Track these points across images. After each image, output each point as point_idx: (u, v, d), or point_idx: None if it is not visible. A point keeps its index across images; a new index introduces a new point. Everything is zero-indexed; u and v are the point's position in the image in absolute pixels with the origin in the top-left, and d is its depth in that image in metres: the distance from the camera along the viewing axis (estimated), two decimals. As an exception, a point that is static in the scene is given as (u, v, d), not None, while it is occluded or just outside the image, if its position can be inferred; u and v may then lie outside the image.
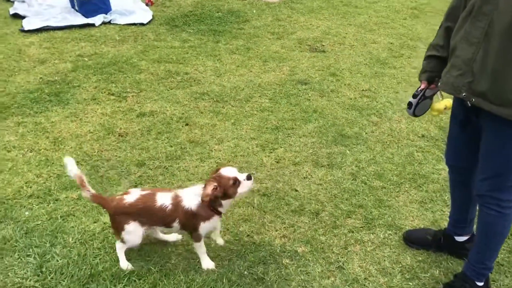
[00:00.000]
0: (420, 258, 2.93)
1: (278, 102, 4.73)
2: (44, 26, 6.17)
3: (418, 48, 6.40)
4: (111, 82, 4.91)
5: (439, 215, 3.32)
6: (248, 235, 3.03)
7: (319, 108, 4.65)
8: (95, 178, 3.45)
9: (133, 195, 2.62)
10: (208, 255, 2.81)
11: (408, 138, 4.25)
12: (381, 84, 5.30)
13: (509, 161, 2.34)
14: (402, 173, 3.75)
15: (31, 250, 2.77)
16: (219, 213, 2.63)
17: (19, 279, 2.58)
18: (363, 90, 5.12)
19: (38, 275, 2.61)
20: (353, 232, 3.11)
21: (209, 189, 2.46)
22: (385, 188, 3.57)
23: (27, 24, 6.19)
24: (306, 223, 3.16)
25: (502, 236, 2.57)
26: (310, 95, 4.92)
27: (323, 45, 6.29)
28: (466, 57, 2.26)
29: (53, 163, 3.59)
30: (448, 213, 3.20)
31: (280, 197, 3.38)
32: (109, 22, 6.57)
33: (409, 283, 2.74)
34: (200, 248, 2.74)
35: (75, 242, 2.87)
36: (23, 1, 6.84)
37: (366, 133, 4.29)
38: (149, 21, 6.69)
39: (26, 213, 3.09)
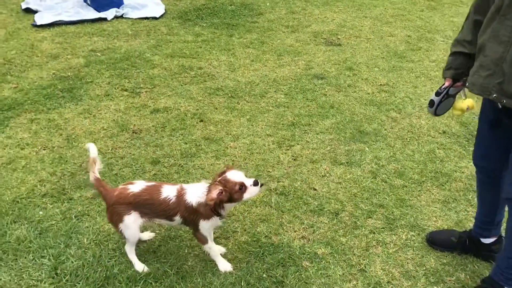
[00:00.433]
0: (445, 261, 2.83)
1: (294, 98, 4.63)
2: (56, 21, 6.12)
3: (436, 41, 6.24)
4: (124, 78, 4.84)
5: (463, 215, 3.20)
6: (266, 236, 2.95)
7: (336, 104, 4.54)
8: (109, 176, 3.39)
9: (138, 186, 2.55)
10: (225, 257, 2.74)
11: (428, 135, 4.13)
12: (399, 78, 5.16)
13: None
14: (424, 171, 3.63)
15: (45, 251, 2.72)
16: (220, 215, 2.53)
17: (33, 281, 2.53)
18: (381, 84, 4.99)
19: (53, 277, 2.55)
20: (374, 233, 3.01)
21: (215, 193, 2.36)
22: (406, 186, 3.46)
23: (39, 19, 6.14)
24: (325, 223, 3.07)
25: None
26: (326, 90, 4.81)
27: (338, 38, 6.15)
28: (495, 57, 2.14)
29: (66, 161, 3.54)
30: (473, 213, 3.10)
31: (298, 196, 3.29)
32: (122, 16, 6.50)
33: (434, 287, 2.64)
34: (211, 251, 2.66)
35: (90, 243, 2.81)
36: (35, -4, 6.80)
37: (385, 130, 4.17)
38: (162, 15, 6.61)
39: (40, 212, 3.04)
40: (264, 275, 2.65)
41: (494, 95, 2.18)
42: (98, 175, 2.57)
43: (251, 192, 2.45)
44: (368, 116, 4.36)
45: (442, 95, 2.50)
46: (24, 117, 4.09)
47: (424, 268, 2.76)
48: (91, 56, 5.29)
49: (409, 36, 6.36)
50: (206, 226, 2.53)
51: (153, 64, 5.17)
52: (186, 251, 2.80)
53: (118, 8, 6.55)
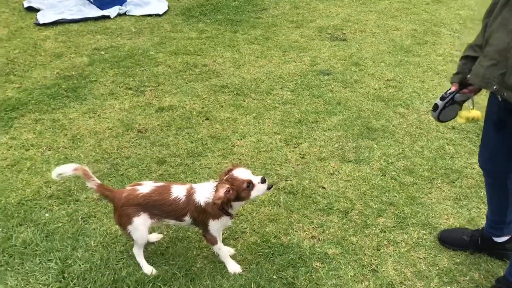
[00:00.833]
0: (458, 260, 2.77)
1: (300, 94, 4.57)
2: (59, 19, 6.07)
3: (442, 34, 6.15)
4: (129, 76, 4.79)
5: (475, 213, 3.15)
6: (275, 236, 2.90)
7: (343, 100, 4.48)
8: (115, 176, 3.35)
9: (147, 186, 2.51)
10: (234, 258, 2.70)
11: (437, 131, 4.06)
12: (406, 73, 5.09)
13: None
14: (434, 168, 3.58)
15: (52, 254, 2.69)
16: (229, 215, 2.49)
17: (40, 285, 2.50)
18: (387, 80, 4.92)
19: (60, 281, 2.52)
20: (385, 232, 2.96)
21: (222, 192, 2.31)
22: (416, 184, 3.40)
23: (42, 17, 6.10)
24: (335, 222, 3.02)
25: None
26: (333, 86, 4.75)
27: (344, 33, 6.08)
28: (501, 46, 2.06)
29: (72, 161, 3.49)
30: (485, 210, 3.05)
31: (307, 195, 3.24)
32: (125, 14, 6.45)
33: (448, 287, 2.59)
34: (220, 252, 2.62)
35: (97, 245, 2.77)
36: (37, -6, 6.75)
37: (393, 126, 4.11)
38: (165, 12, 6.55)
39: (46, 214, 3.00)
40: (274, 277, 2.61)
41: (495, 86, 2.11)
42: (98, 181, 2.51)
43: (259, 189, 2.40)
44: (376, 112, 4.30)
45: (447, 100, 2.40)
46: (28, 118, 4.05)
47: (437, 268, 2.71)
48: (95, 55, 5.24)
49: (415, 30, 6.28)
50: (216, 226, 2.49)
51: (157, 62, 5.12)
52: (194, 252, 2.76)
53: (121, 5, 6.50)
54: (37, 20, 6.07)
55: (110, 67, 4.97)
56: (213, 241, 2.56)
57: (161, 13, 6.46)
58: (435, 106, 2.44)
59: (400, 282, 2.61)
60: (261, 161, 3.60)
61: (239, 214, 3.03)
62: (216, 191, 2.34)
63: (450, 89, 2.42)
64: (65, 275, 2.56)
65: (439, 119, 2.47)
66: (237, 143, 3.81)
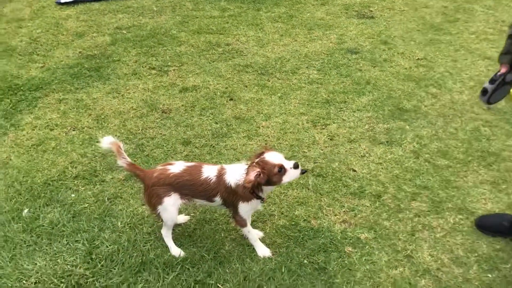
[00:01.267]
0: (498, 247, 2.65)
1: (328, 73, 4.43)
2: (80, -2, 6.00)
3: (475, 11, 5.88)
4: (151, 56, 4.71)
5: (515, 198, 3.00)
6: (305, 220, 2.81)
7: (372, 79, 4.32)
8: (141, 157, 3.29)
9: (178, 166, 2.43)
10: (263, 241, 2.62)
11: (472, 111, 3.89)
12: (437, 52, 4.88)
13: None
14: (469, 150, 3.42)
15: (79, 235, 2.65)
16: (260, 198, 2.40)
17: (69, 266, 2.47)
18: (418, 59, 4.73)
19: (88, 262, 2.49)
20: (419, 216, 2.85)
21: (252, 176, 2.22)
22: (451, 167, 3.26)
23: (63, -3, 6.03)
24: (367, 206, 2.91)
25: None
26: (361, 65, 4.58)
27: (371, 11, 5.87)
28: None
29: (97, 142, 3.45)
30: (526, 196, 2.90)
31: (337, 178, 3.13)
32: (146, -8, 6.32)
33: (488, 275, 2.48)
34: (250, 234, 2.55)
35: (124, 226, 2.73)
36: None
37: (425, 106, 3.95)
38: (186, -10, 6.40)
39: (72, 195, 2.96)
40: (305, 261, 2.53)
41: None
42: (129, 160, 2.45)
43: (291, 175, 2.30)
44: (407, 92, 4.13)
45: (497, 82, 2.28)
46: (52, 97, 4.01)
47: (476, 254, 2.59)
48: (117, 34, 5.16)
49: (445, 7, 6.03)
50: (246, 209, 2.41)
51: (179, 41, 5.02)
52: (222, 235, 2.70)
53: (142, -17, 6.36)
54: (58, -1, 6.01)
55: (133, 46, 4.89)
56: (243, 224, 2.48)
57: (182, -9, 6.31)
58: (484, 90, 2.32)
59: (437, 269, 2.50)
60: (288, 143, 3.49)
61: (266, 197, 2.94)
62: (247, 174, 2.25)
63: (499, 70, 2.29)
64: (93, 256, 2.52)
65: (489, 102, 2.34)
66: (262, 124, 3.70)
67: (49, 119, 3.73)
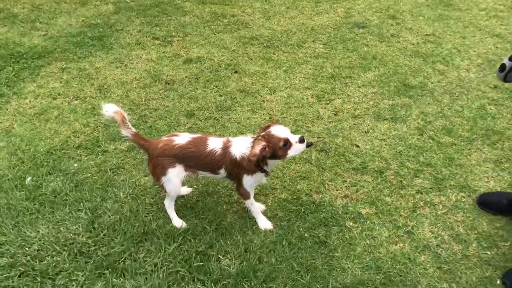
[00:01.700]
0: (498, 225, 2.65)
1: (334, 48, 4.36)
2: (83, -35, 5.87)
3: (486, -13, 5.75)
4: (155, 26, 4.64)
5: (518, 177, 2.99)
6: (306, 194, 2.82)
7: (379, 55, 4.26)
8: (143, 128, 3.28)
9: (183, 138, 2.42)
10: (265, 214, 2.63)
11: (478, 89, 3.84)
12: (446, 28, 4.80)
13: None
14: (474, 128, 3.39)
15: (82, 204, 2.66)
16: (265, 172, 2.40)
17: (71, 234, 2.49)
18: (426, 34, 4.65)
19: (91, 231, 2.50)
20: (421, 193, 2.85)
21: (257, 149, 2.21)
22: (455, 145, 3.24)
23: (66, -37, 5.90)
24: (369, 182, 2.91)
25: None
26: (368, 40, 4.51)
27: (380, -16, 5.73)
28: None
29: (99, 112, 3.42)
30: (529, 175, 2.89)
31: (340, 153, 3.12)
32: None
33: (487, 252, 2.49)
34: (252, 207, 2.55)
35: (126, 197, 2.74)
36: None
37: (431, 83, 3.90)
38: (192, -41, 6.26)
39: (75, 165, 2.97)
40: (306, 235, 2.54)
41: None
42: (133, 130, 2.44)
43: (296, 149, 2.29)
44: (413, 69, 4.08)
45: None
46: (54, 66, 3.98)
47: (476, 232, 2.60)
48: (120, 3, 5.08)
49: (456, -19, 5.88)
50: (250, 182, 2.41)
51: (184, 11, 4.94)
52: (224, 207, 2.71)
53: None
54: (61, -35, 5.88)
55: (136, 15, 4.82)
56: (246, 196, 2.49)
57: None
58: (503, 66, 2.27)
59: (437, 245, 2.51)
60: (292, 117, 3.47)
61: (270, 170, 2.94)
62: (252, 147, 2.24)
63: None
64: (95, 225, 2.54)
65: (505, 79, 2.31)
66: (267, 98, 3.67)
67: (51, 88, 3.70)
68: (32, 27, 4.55)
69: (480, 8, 5.26)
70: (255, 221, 2.60)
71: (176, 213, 2.60)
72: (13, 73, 3.85)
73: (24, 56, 4.07)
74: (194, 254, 2.39)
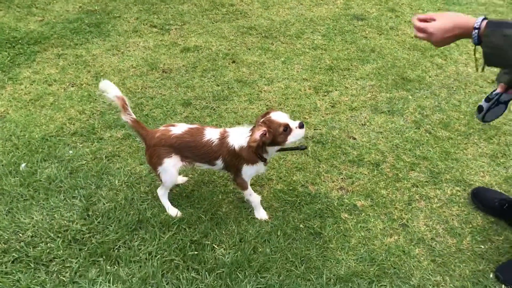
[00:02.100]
0: (493, 219, 2.66)
1: (332, 39, 4.34)
2: (81, -49, 5.80)
3: (486, -18, 5.73)
4: (153, 13, 4.60)
5: (513, 172, 3.00)
6: (302, 185, 2.81)
7: (377, 47, 4.24)
8: (140, 117, 3.26)
9: (180, 128, 2.41)
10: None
11: (476, 84, 3.84)
12: (445, 21, 4.77)
13: None
14: (471, 123, 3.40)
15: (76, 191, 2.65)
16: (264, 160, 2.39)
17: (65, 221, 2.47)
18: (425, 28, 4.63)
19: (85, 219, 2.49)
20: (417, 186, 2.85)
21: (258, 134, 2.20)
22: (451, 139, 3.24)
23: (63, -52, 5.83)
24: (365, 174, 2.91)
25: None
26: (367, 32, 4.49)
27: (380, -23, 5.70)
28: None
29: (95, 99, 3.41)
30: (524, 170, 2.90)
31: (336, 145, 3.12)
32: None
33: (481, 246, 2.50)
34: (251, 197, 2.54)
35: (121, 185, 2.72)
36: None
37: (429, 77, 3.89)
38: None
39: (70, 151, 2.95)
40: (301, 226, 2.54)
41: None
42: (134, 116, 2.42)
43: (296, 135, 2.28)
44: (412, 62, 4.07)
45: (492, 101, 2.28)
46: (51, 52, 3.94)
47: (470, 226, 2.61)
48: (118, -10, 5.02)
49: (456, -25, 5.86)
50: (249, 172, 2.40)
51: (182, 0, 4.89)
52: (220, 197, 2.70)
53: None
54: (58, -50, 5.81)
55: (134, 3, 4.77)
56: (244, 186, 2.48)
57: None
58: (480, 108, 2.31)
59: (431, 238, 2.52)
60: (289, 108, 3.46)
61: (269, 159, 2.93)
62: (252, 133, 2.23)
63: (495, 89, 2.27)
64: (90, 213, 2.53)
65: (484, 120, 2.35)
66: (264, 89, 3.66)
67: (47, 74, 3.67)
68: (29, 12, 4.50)
69: (479, 2, 5.25)
70: (251, 211, 2.59)
71: (172, 202, 2.59)
72: (8, 58, 3.81)
73: (19, 41, 4.03)
74: (188, 243, 2.38)
